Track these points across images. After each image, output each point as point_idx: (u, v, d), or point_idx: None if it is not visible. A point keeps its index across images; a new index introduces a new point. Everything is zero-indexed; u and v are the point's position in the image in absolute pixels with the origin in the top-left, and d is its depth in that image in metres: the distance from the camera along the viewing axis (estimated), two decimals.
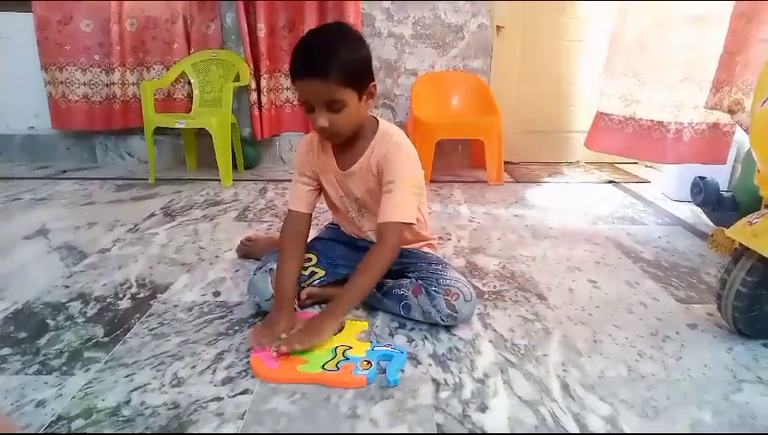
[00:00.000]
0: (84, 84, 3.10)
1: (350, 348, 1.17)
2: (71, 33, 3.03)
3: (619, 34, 2.35)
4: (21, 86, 3.16)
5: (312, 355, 1.14)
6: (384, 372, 1.09)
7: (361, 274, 1.22)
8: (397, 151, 1.25)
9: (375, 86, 1.22)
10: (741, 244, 1.17)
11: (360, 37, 1.21)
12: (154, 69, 3.12)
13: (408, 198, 1.26)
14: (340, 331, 1.24)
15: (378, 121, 1.31)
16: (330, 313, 1.20)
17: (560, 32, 3.20)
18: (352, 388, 1.05)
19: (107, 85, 3.10)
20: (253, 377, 1.09)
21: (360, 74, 1.17)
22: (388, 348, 1.17)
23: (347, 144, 1.28)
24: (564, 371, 1.13)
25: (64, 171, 3.05)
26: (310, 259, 1.38)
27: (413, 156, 1.30)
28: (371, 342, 1.21)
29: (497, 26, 3.14)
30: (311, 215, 1.39)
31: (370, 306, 1.38)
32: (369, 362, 1.11)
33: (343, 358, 1.13)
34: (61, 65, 3.06)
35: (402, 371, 1.11)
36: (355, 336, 1.23)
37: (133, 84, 3.12)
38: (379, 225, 1.25)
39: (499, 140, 2.81)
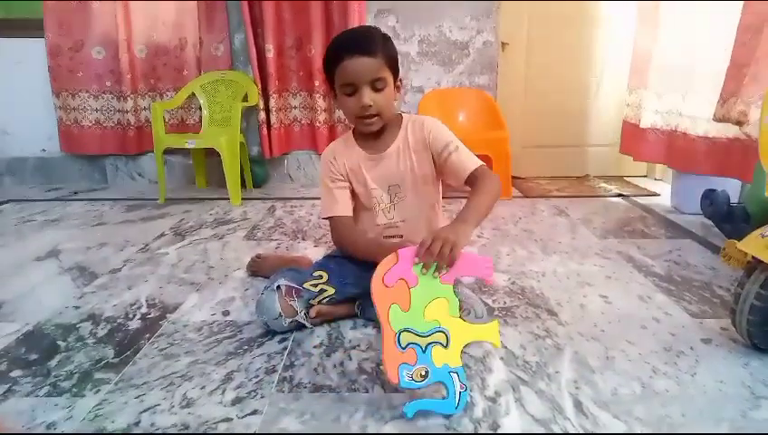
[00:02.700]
0: (97, 111, 3.16)
1: (445, 347, 1.02)
2: (82, 61, 3.08)
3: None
4: (33, 110, 3.22)
5: (415, 309, 1.01)
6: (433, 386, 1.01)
7: (480, 194, 1.19)
8: (435, 122, 1.35)
9: (402, 80, 1.34)
10: (754, 257, 1.16)
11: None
12: (166, 96, 3.17)
13: (467, 149, 1.32)
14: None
15: (400, 114, 1.40)
16: (462, 220, 1.11)
17: (564, 46, 3.21)
18: (385, 375, 1.00)
19: (119, 111, 3.14)
20: (262, 397, 1.09)
21: (396, 62, 1.29)
22: (461, 389, 1.01)
23: (375, 134, 1.34)
24: (577, 388, 1.11)
25: (76, 192, 3.08)
26: (321, 276, 1.37)
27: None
28: (464, 365, 1.05)
29: (502, 43, 3.16)
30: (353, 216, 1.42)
31: (380, 324, 1.37)
32: (425, 374, 0.99)
33: (424, 344, 1.00)
34: (73, 92, 3.12)
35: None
36: (472, 339, 1.08)
37: (145, 109, 3.17)
38: (469, 176, 1.27)
39: (506, 156, 2.81)
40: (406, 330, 1.00)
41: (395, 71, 1.28)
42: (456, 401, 1.01)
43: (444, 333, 1.02)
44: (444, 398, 1.01)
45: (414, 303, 1.02)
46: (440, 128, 1.34)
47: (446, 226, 1.10)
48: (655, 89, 2.60)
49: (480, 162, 1.29)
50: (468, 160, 1.29)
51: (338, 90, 1.27)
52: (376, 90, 1.23)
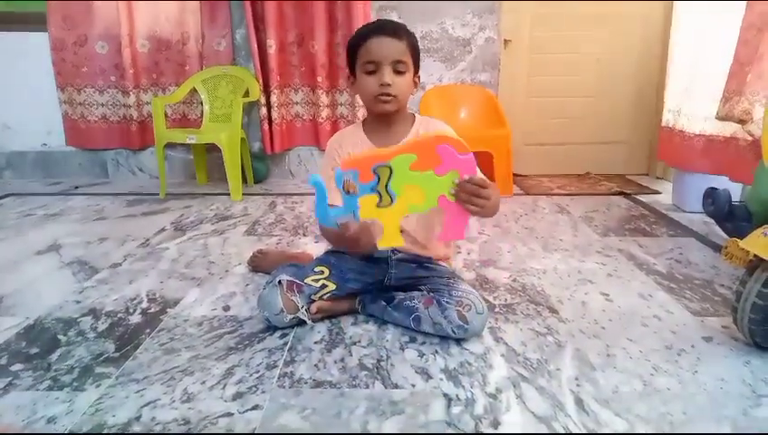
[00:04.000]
0: (102, 105, 3.16)
1: (377, 204, 1.09)
2: (86, 55, 3.08)
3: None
4: (34, 104, 3.20)
5: (414, 177, 1.08)
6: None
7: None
8: (448, 129, 1.33)
9: (419, 77, 1.34)
10: (756, 255, 1.16)
11: None
12: (168, 90, 3.17)
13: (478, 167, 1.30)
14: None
15: (413, 114, 1.39)
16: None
17: (566, 44, 3.21)
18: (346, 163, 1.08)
19: (124, 106, 3.14)
20: (263, 392, 1.09)
21: (418, 55, 1.31)
22: (337, 221, 1.11)
23: (387, 125, 1.34)
24: (578, 385, 1.11)
25: (76, 187, 3.08)
26: (322, 271, 1.37)
27: None
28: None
29: (504, 40, 3.15)
30: None
31: (381, 320, 1.38)
32: (350, 192, 1.08)
33: (382, 186, 1.07)
34: (78, 87, 3.13)
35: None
36: (381, 220, 1.13)
37: (147, 104, 3.17)
38: None
39: (507, 153, 2.80)
40: (391, 171, 1.06)
41: (416, 63, 1.30)
42: (323, 215, 1.09)
43: (390, 199, 1.09)
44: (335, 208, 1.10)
45: (420, 175, 1.08)
46: (453, 134, 1.33)
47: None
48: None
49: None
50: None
51: (359, 69, 1.28)
52: (397, 72, 1.25)
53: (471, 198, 1.09)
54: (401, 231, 1.38)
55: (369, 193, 1.08)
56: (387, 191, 1.09)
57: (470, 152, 1.09)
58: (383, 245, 1.14)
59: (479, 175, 1.12)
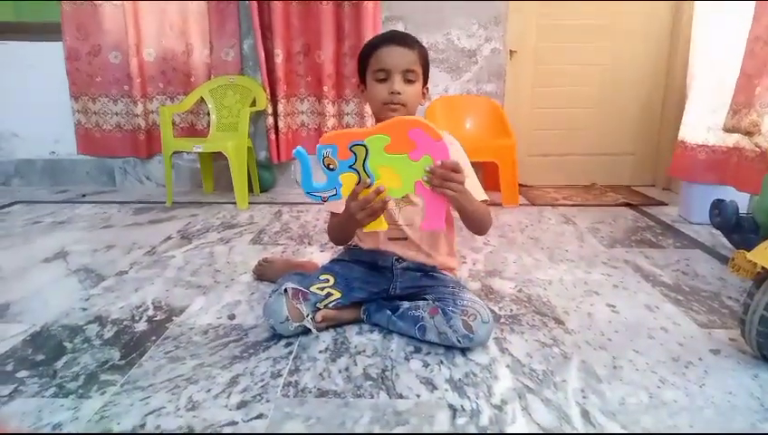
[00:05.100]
0: (116, 114, 3.20)
1: (358, 176, 1.13)
2: (100, 65, 3.12)
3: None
4: (43, 112, 3.24)
5: (389, 159, 1.11)
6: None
7: (480, 205, 1.28)
8: (455, 142, 1.34)
9: (428, 89, 1.38)
10: (763, 267, 1.15)
11: None
12: (177, 99, 3.20)
13: (477, 181, 1.33)
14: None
15: None
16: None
17: (572, 55, 3.22)
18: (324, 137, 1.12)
19: (136, 115, 3.17)
20: (267, 401, 1.09)
21: (427, 66, 1.35)
22: (324, 197, 1.16)
23: None
24: (584, 397, 1.10)
25: (84, 195, 3.10)
26: (327, 280, 1.37)
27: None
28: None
29: (510, 51, 3.16)
30: None
31: (386, 329, 1.37)
32: (331, 169, 1.12)
33: (359, 164, 1.11)
34: (93, 96, 3.17)
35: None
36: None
37: (153, 113, 3.21)
38: None
39: (513, 163, 2.81)
40: (367, 150, 1.10)
41: (426, 74, 1.34)
42: (308, 186, 1.16)
43: (368, 178, 1.13)
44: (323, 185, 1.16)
45: (394, 158, 1.10)
46: (459, 150, 1.33)
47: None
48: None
49: (484, 196, 1.32)
50: (474, 190, 1.27)
51: (369, 76, 1.31)
52: (407, 81, 1.28)
53: (443, 183, 1.11)
54: (405, 238, 1.40)
55: (348, 171, 1.12)
56: (365, 171, 1.12)
57: (442, 139, 1.10)
58: (368, 229, 1.20)
59: (452, 160, 1.12)
